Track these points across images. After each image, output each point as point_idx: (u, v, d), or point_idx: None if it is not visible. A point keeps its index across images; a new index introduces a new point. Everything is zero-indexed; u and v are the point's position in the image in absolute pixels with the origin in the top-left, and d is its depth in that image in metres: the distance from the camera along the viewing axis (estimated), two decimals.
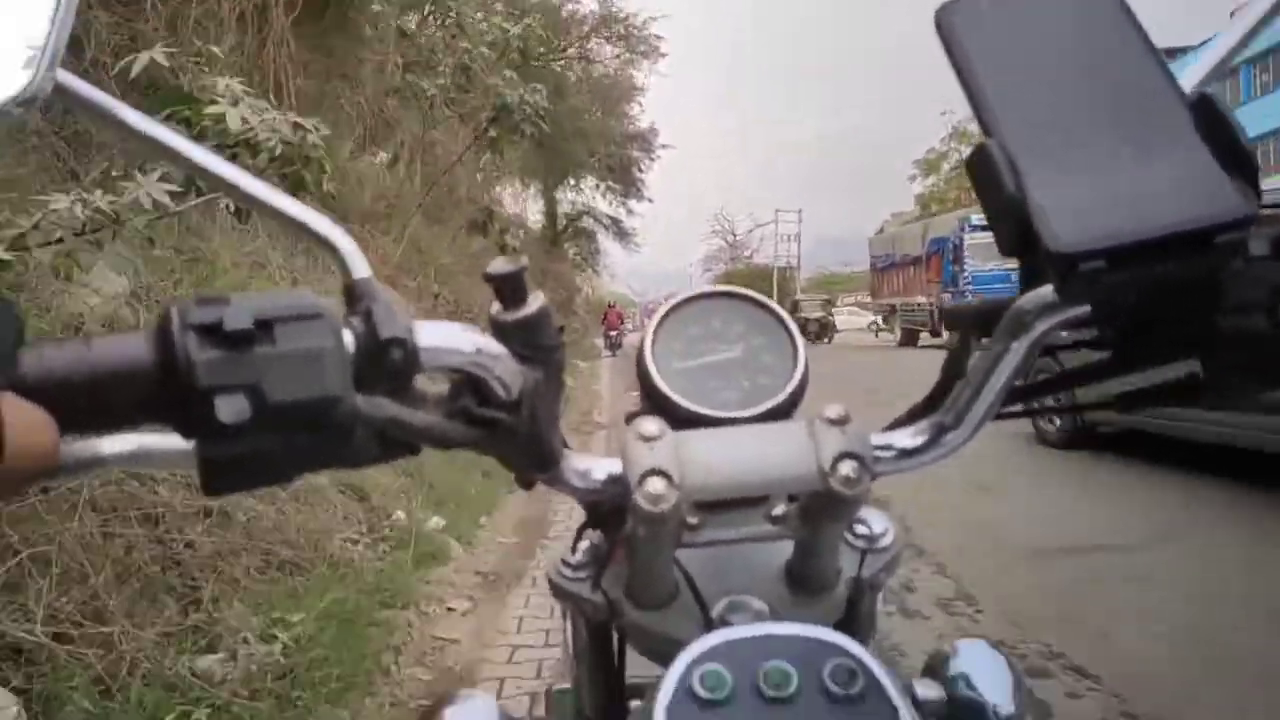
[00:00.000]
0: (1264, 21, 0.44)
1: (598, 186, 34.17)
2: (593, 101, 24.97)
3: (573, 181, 32.68)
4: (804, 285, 57.00)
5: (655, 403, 0.52)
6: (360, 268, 0.40)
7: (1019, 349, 0.44)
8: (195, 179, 0.45)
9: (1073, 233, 0.38)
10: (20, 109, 0.38)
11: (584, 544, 0.54)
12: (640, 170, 32.64)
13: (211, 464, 0.34)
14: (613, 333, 24.23)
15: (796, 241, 60.12)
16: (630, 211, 35.20)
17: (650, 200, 33.52)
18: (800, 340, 0.52)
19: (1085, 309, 0.42)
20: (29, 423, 0.30)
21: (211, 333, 0.32)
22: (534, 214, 29.77)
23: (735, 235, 65.92)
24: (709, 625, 0.47)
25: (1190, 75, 0.43)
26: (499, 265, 0.41)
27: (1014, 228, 0.40)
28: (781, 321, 0.54)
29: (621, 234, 36.16)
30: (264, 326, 0.33)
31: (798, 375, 0.52)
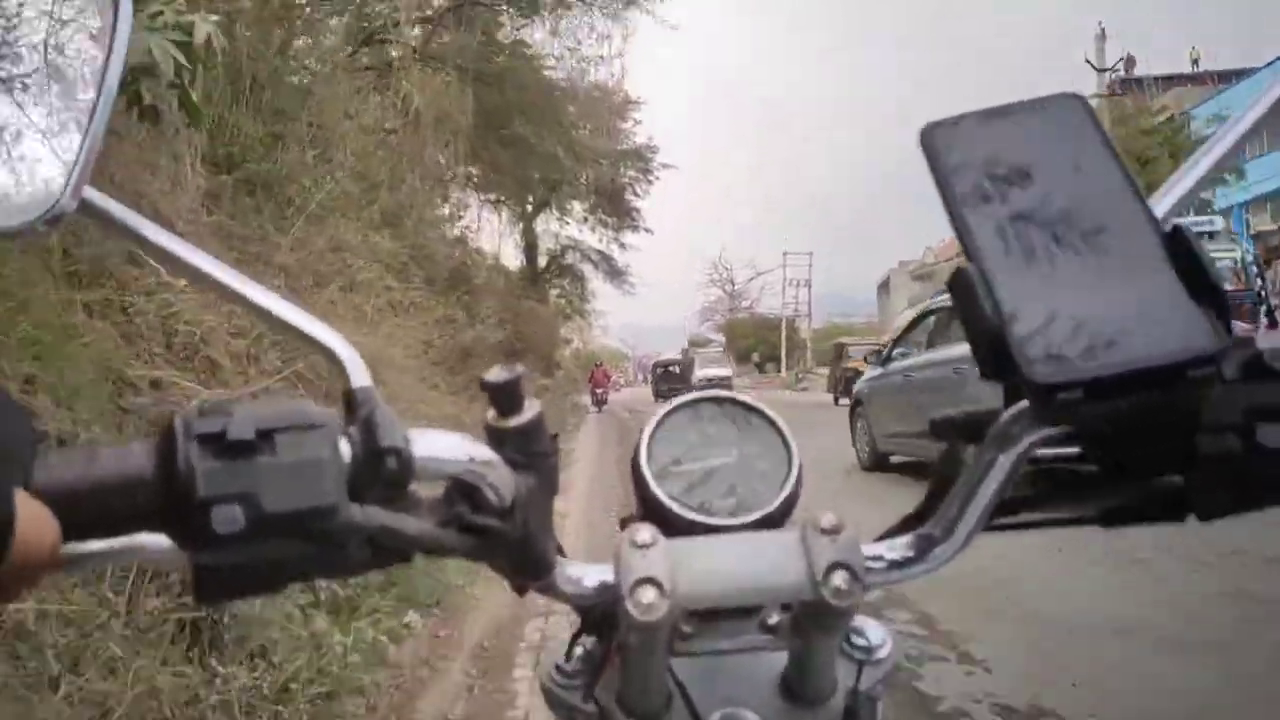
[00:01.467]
0: (1233, 152, 0.51)
1: (586, 219, 32.83)
2: (577, 112, 24.41)
3: (556, 212, 31.72)
4: (813, 335, 59.04)
5: (648, 507, 0.56)
6: (360, 376, 0.45)
7: (1005, 462, 0.49)
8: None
9: (1049, 364, 0.43)
10: (46, 226, 0.44)
11: (578, 650, 0.58)
12: (636, 194, 31.22)
13: (205, 571, 0.38)
14: (599, 390, 28.82)
15: (807, 288, 60.70)
16: (623, 246, 33.70)
17: (648, 230, 31.96)
18: (794, 446, 0.58)
19: (1068, 428, 0.47)
20: (37, 522, 0.35)
21: (214, 442, 0.36)
22: (512, 250, 29.58)
23: (734, 284, 67.12)
24: None
25: (1162, 203, 0.49)
26: (495, 373, 0.46)
27: (993, 351, 0.45)
28: (776, 426, 0.59)
29: (614, 272, 34.48)
30: (265, 436, 0.37)
31: (791, 482, 0.57)
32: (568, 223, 32.60)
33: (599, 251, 34.01)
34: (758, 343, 58.50)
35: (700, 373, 31.60)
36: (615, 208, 31.54)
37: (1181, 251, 0.46)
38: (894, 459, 8.13)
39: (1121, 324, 0.44)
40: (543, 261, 32.23)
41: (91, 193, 0.45)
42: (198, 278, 0.47)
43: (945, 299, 7.69)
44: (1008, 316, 0.45)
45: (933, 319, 8.10)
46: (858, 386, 9.22)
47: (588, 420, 21.41)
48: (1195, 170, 0.51)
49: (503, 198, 25.65)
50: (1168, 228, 0.46)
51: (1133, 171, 0.48)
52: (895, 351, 8.61)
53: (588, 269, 34.53)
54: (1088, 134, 0.49)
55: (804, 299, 60.19)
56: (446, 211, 14.78)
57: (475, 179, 19.46)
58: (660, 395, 32.94)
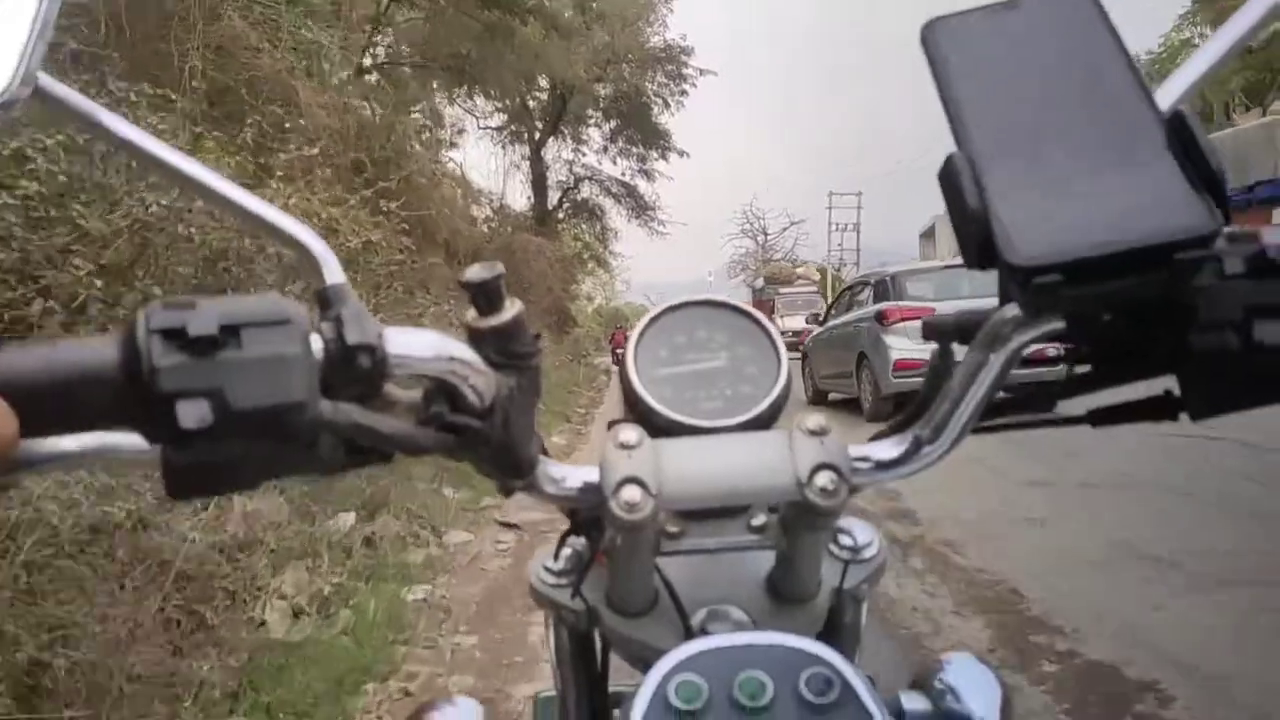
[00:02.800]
0: (1241, 42, 0.54)
1: (606, 148, 30.13)
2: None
3: (569, 139, 29.20)
4: None
5: (636, 410, 0.61)
6: (334, 273, 0.49)
7: (996, 362, 0.53)
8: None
9: (1030, 245, 0.46)
10: (1, 112, 0.45)
11: (566, 550, 0.64)
12: (668, 106, 28.54)
13: (175, 468, 0.40)
14: (619, 350, 29.83)
15: (855, 232, 58.83)
16: (650, 176, 30.95)
17: (683, 154, 29.57)
18: (784, 351, 0.63)
19: (1059, 323, 0.50)
20: None
21: (176, 337, 0.38)
22: (519, 189, 27.95)
23: (767, 234, 66.65)
24: (689, 634, 0.56)
25: (1167, 93, 0.52)
26: (475, 271, 0.50)
27: (978, 239, 0.48)
28: (766, 331, 0.64)
29: (639, 207, 31.59)
30: (230, 331, 0.39)
31: (779, 385, 0.62)
32: (583, 152, 30.32)
33: (620, 182, 31.34)
34: None
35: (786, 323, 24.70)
36: (640, 127, 29.16)
37: (1183, 138, 0.48)
38: (831, 396, 11.96)
39: (1112, 207, 0.46)
40: (554, 198, 30.10)
41: (47, 79, 0.49)
42: (164, 168, 0.52)
43: (860, 276, 13.46)
44: (994, 202, 0.47)
45: (848, 293, 12.40)
46: (805, 343, 13.33)
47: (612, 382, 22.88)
48: (1201, 60, 0.54)
49: (503, 120, 24.71)
50: (1169, 116, 0.49)
51: (1139, 65, 0.50)
52: (829, 315, 12.70)
53: (607, 204, 32.23)
54: (1094, 27, 0.52)
55: (851, 245, 59.00)
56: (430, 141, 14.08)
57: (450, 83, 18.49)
58: None
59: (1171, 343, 0.48)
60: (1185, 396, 0.51)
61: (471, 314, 0.51)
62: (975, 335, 0.54)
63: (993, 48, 0.53)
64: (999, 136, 0.49)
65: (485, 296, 0.50)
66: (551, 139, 28.27)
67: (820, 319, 13.11)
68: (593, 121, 29.49)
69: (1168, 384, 0.52)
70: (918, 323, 9.23)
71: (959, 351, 0.58)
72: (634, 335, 0.64)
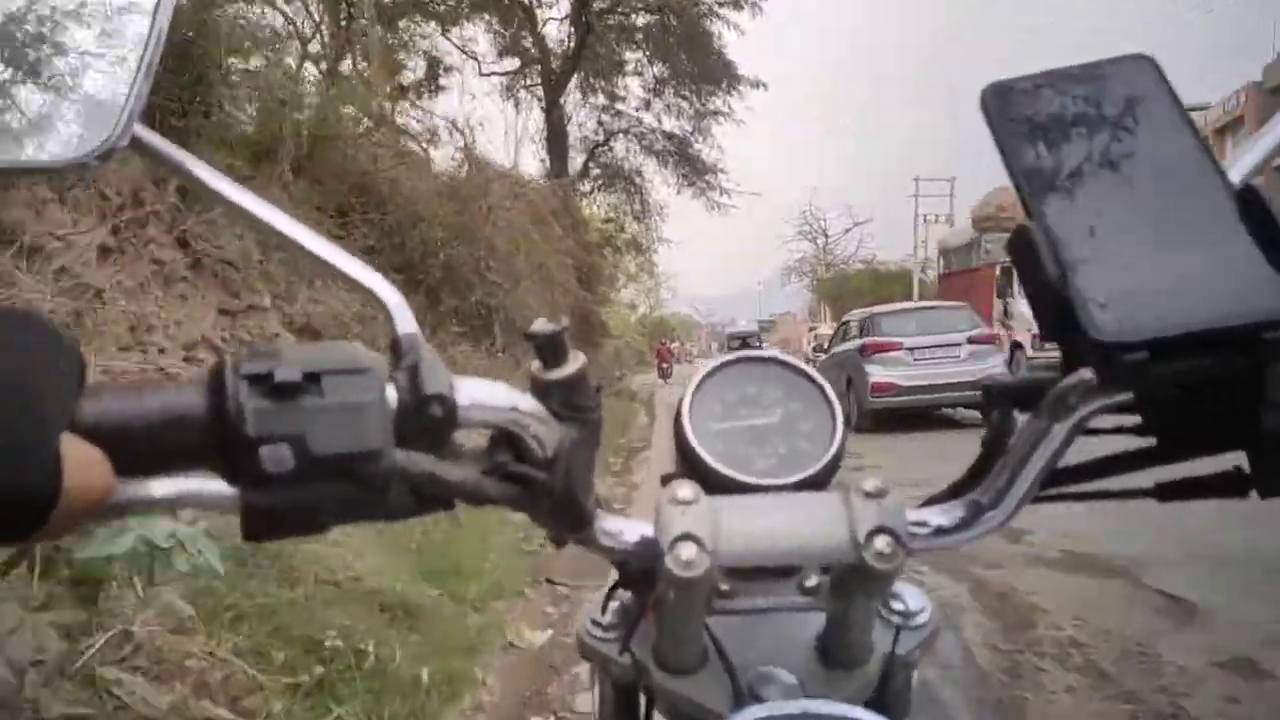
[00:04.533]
0: None
1: (648, 102, 26.74)
2: None
3: (596, 84, 26.05)
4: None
5: (690, 465, 0.70)
6: (407, 323, 0.58)
7: (1060, 431, 0.60)
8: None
9: (1115, 322, 0.53)
10: (98, 161, 0.57)
11: (614, 604, 0.73)
12: (732, 28, 24.95)
13: (253, 511, 0.48)
14: (664, 364, 39.52)
15: (948, 224, 54.58)
16: (706, 133, 27.42)
17: (759, 85, 26.11)
18: (839, 409, 0.72)
19: (1129, 395, 0.58)
20: (86, 463, 0.44)
21: (262, 383, 0.47)
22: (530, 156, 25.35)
23: (828, 236, 67.54)
24: (738, 695, 0.65)
25: (1238, 167, 0.60)
26: (541, 325, 0.59)
27: (1056, 312, 0.55)
28: (821, 389, 0.73)
29: (693, 169, 28.29)
30: (312, 379, 0.48)
31: (835, 444, 0.71)
32: (616, 109, 27.21)
33: (667, 134, 28.08)
34: (871, 302, 56.07)
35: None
36: (695, 58, 25.55)
37: (1255, 212, 0.55)
38: None
39: (1191, 285, 0.53)
40: (579, 163, 27.54)
41: (142, 129, 0.59)
42: (246, 218, 0.64)
43: (850, 315, 18.14)
44: (1071, 275, 0.55)
45: (843, 327, 17.63)
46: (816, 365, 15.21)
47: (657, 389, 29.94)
48: (1272, 135, 0.62)
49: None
50: (1240, 190, 0.57)
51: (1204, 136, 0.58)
52: (832, 344, 17.86)
53: (649, 167, 28.97)
54: (1157, 95, 0.60)
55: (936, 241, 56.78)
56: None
57: None
58: None
59: (1241, 418, 0.55)
60: (1254, 473, 0.58)
61: (536, 365, 0.60)
62: (1038, 402, 0.61)
63: (1056, 113, 0.61)
64: (1070, 207, 0.57)
65: (551, 349, 0.60)
66: (575, 84, 25.39)
67: (826, 348, 19.12)
68: (631, 68, 26.19)
69: (1237, 459, 0.58)
70: (892, 353, 14.12)
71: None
72: (689, 390, 0.74)
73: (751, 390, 0.74)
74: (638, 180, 28.24)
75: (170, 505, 0.51)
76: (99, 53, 0.59)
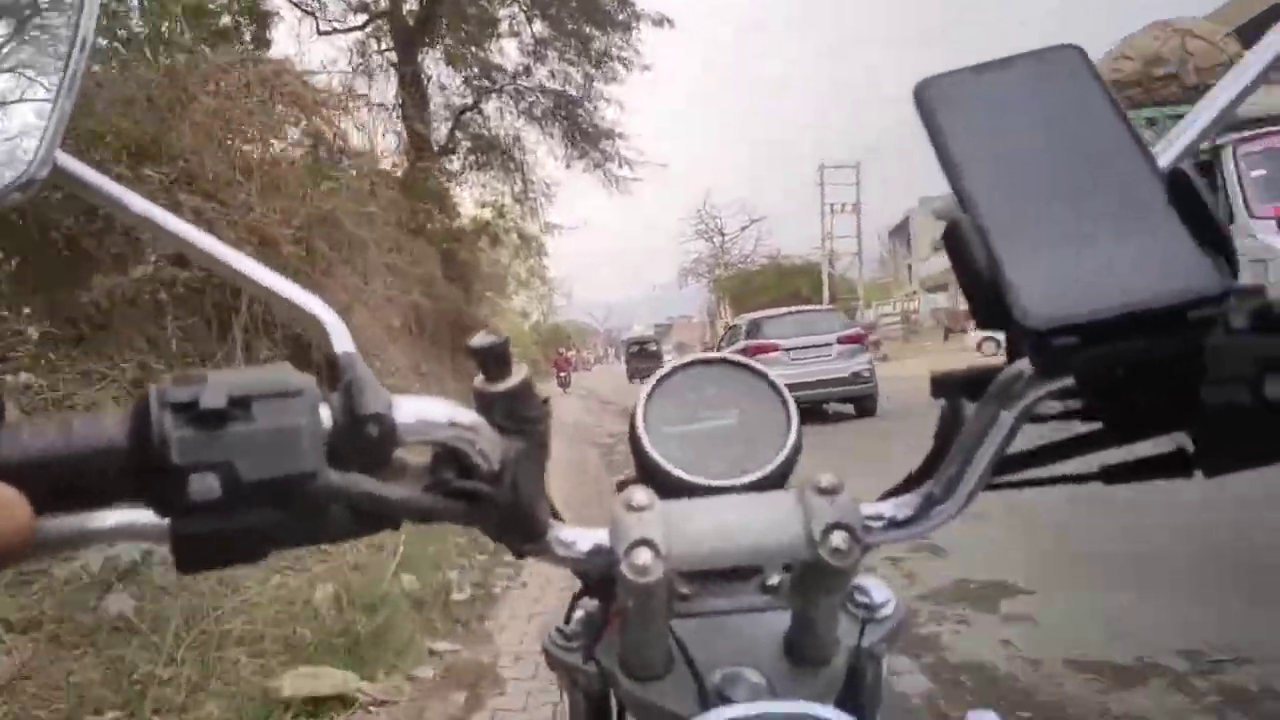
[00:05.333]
0: (1235, 103, 0.68)
1: (527, 68, 23.92)
2: None
3: (460, 46, 23.02)
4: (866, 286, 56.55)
5: (646, 469, 0.76)
6: (343, 342, 0.62)
7: (1007, 419, 0.66)
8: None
9: (1044, 307, 0.57)
10: (19, 193, 0.58)
11: (578, 613, 0.77)
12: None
13: (185, 540, 0.50)
14: (562, 374, 42.33)
15: (856, 213, 55.66)
16: (598, 98, 25.25)
17: (668, 22, 24.04)
18: (794, 408, 0.78)
19: (1069, 381, 0.63)
20: (5, 505, 0.45)
21: (187, 410, 0.49)
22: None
23: (724, 235, 69.22)
24: (705, 698, 0.69)
25: (1165, 152, 0.67)
26: (482, 339, 0.63)
27: (989, 301, 0.60)
28: (775, 388, 0.79)
29: (584, 135, 25.68)
30: (241, 404, 0.50)
31: (790, 443, 0.76)
32: (492, 78, 24.56)
33: (551, 93, 25.21)
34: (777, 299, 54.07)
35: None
36: (583, 16, 23.70)
37: (1184, 195, 0.60)
38: None
39: (1121, 268, 0.57)
40: (442, 131, 24.85)
41: (66, 158, 0.62)
42: (176, 243, 0.66)
43: (744, 319, 19.95)
44: (1002, 264, 0.59)
45: (730, 331, 20.29)
46: None
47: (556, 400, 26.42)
48: (1199, 120, 0.69)
49: None
50: (1169, 173, 0.61)
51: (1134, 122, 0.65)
52: (719, 347, 19.51)
53: (531, 136, 25.94)
54: (1086, 85, 0.65)
55: (844, 231, 56.23)
56: None
57: None
58: (637, 374, 41.98)
59: (1183, 399, 0.60)
60: (1197, 453, 0.63)
61: (479, 379, 0.65)
62: (984, 391, 0.67)
63: (988, 107, 0.66)
64: (1002, 198, 0.62)
65: (493, 362, 0.64)
66: (438, 45, 23.15)
67: (716, 349, 21.12)
68: (505, 27, 23.47)
69: (1180, 440, 0.63)
70: (771, 354, 15.60)
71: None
72: (643, 393, 0.80)
73: (707, 392, 0.80)
74: (517, 154, 25.27)
75: (99, 540, 0.54)
76: (14, 83, 0.60)
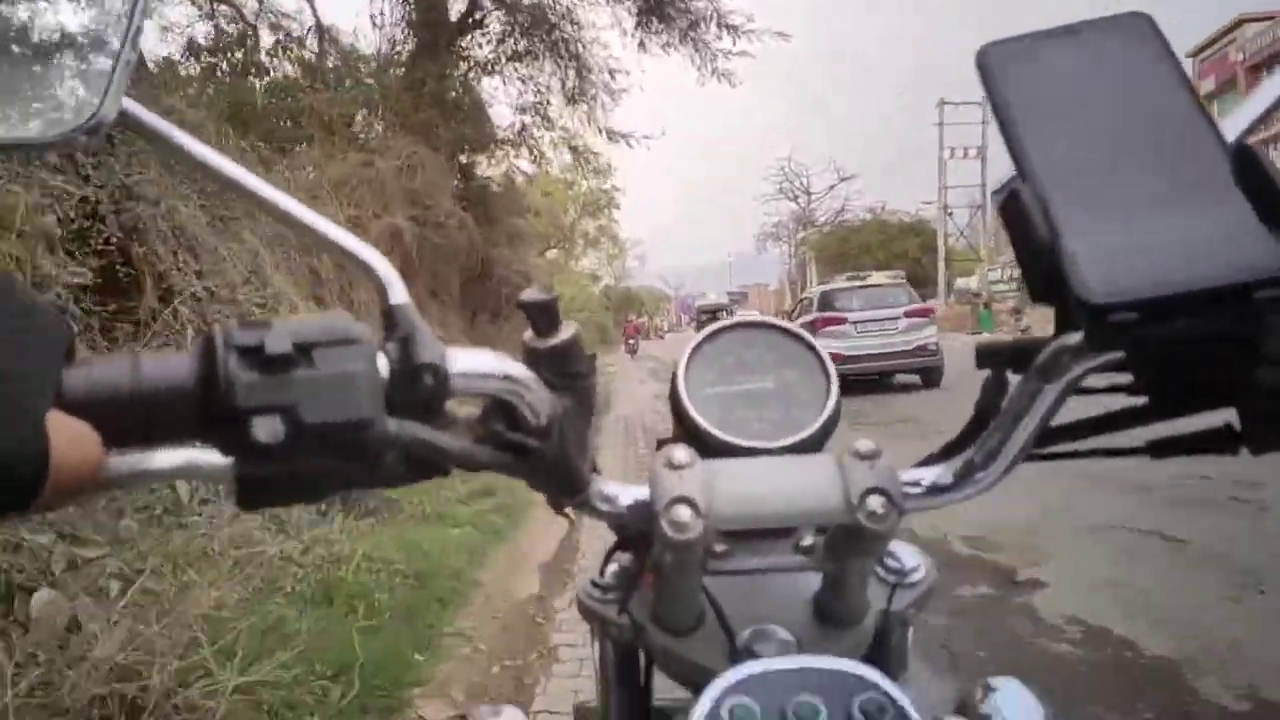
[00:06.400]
0: None
1: None
2: None
3: None
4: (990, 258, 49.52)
5: (686, 429, 0.78)
6: (399, 293, 0.63)
7: (1052, 391, 0.67)
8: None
9: (1104, 282, 0.58)
10: (87, 136, 0.61)
11: (613, 566, 0.80)
12: None
13: (247, 481, 0.54)
14: (631, 340, 45.21)
15: (981, 159, 49.43)
16: None
17: None
18: (833, 371, 0.80)
19: (1120, 354, 0.63)
20: (74, 439, 0.48)
21: (253, 355, 0.51)
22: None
23: (810, 194, 66.40)
24: (735, 654, 0.72)
25: (1232, 125, 0.66)
26: (531, 294, 0.66)
27: (1045, 273, 0.60)
28: (816, 353, 0.82)
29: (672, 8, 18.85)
30: (303, 350, 0.52)
31: (829, 408, 0.78)
32: None
33: None
34: (888, 261, 47.61)
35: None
36: None
37: (1251, 172, 0.60)
38: None
39: (1183, 245, 0.58)
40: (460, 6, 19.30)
41: (130, 103, 0.65)
42: (236, 189, 0.70)
43: (815, 290, 21.75)
44: (1062, 236, 0.60)
45: (802, 303, 21.25)
46: None
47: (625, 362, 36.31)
48: (1267, 93, 0.68)
49: None
50: (1235, 149, 0.62)
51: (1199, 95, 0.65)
52: (792, 317, 19.95)
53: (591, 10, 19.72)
54: (1154, 54, 0.65)
55: (965, 180, 50.25)
56: None
57: None
58: None
59: (1233, 376, 0.60)
60: (1245, 430, 0.64)
61: (529, 334, 0.67)
62: (1030, 363, 0.68)
63: (1052, 74, 0.67)
64: (1063, 167, 0.63)
65: (543, 318, 0.66)
66: None
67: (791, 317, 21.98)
68: None
69: (1227, 416, 0.64)
70: (839, 326, 17.09)
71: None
72: (684, 355, 0.82)
73: (747, 355, 0.82)
74: (570, 29, 19.07)
75: (164, 478, 0.56)
76: (83, 28, 0.64)
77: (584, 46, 19.55)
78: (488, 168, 19.65)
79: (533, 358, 0.65)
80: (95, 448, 0.49)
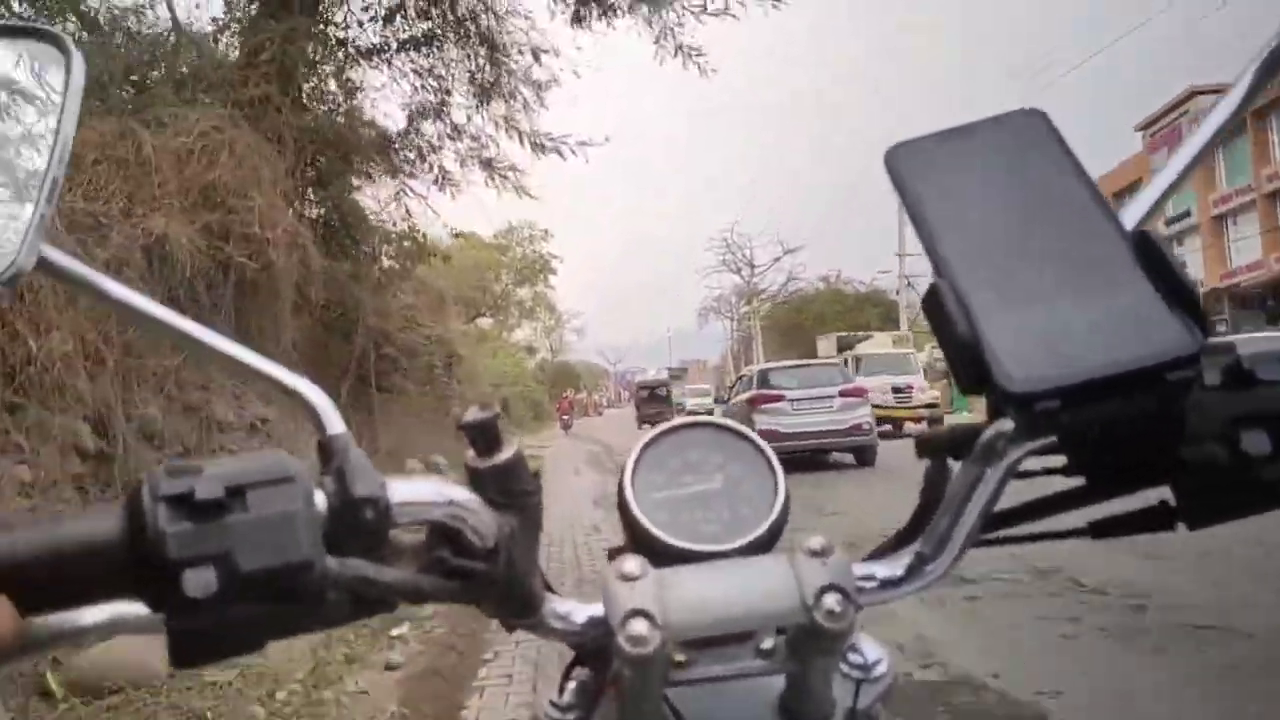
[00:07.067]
0: (1197, 161, 0.72)
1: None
2: None
3: None
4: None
5: (636, 536, 0.78)
6: (334, 424, 0.63)
7: (993, 476, 0.68)
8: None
9: (1024, 371, 0.61)
10: (4, 287, 0.61)
11: (571, 684, 0.79)
12: None
13: (181, 636, 0.51)
14: (565, 417, 47.75)
15: (899, 261, 48.86)
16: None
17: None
18: (779, 469, 0.81)
19: (1052, 439, 0.65)
20: None
21: (182, 503, 0.50)
22: None
23: (754, 267, 65.90)
24: None
25: (1131, 213, 0.69)
26: (472, 414, 0.66)
27: (969, 365, 0.63)
28: (761, 450, 0.82)
29: None
30: (236, 493, 0.51)
31: (778, 505, 0.79)
32: None
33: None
34: (842, 330, 47.07)
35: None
36: None
37: (1151, 256, 0.64)
38: None
39: (1096, 330, 0.61)
40: None
41: (50, 251, 0.64)
42: (158, 328, 0.69)
43: (753, 369, 23.66)
44: (981, 329, 0.63)
45: (739, 380, 23.61)
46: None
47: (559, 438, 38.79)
48: (1162, 180, 0.72)
49: None
50: (1135, 236, 0.65)
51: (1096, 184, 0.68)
52: (730, 393, 23.87)
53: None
54: (1050, 148, 0.69)
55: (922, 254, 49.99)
56: None
57: None
58: (646, 420, 43.23)
59: (1163, 455, 0.63)
60: (1180, 507, 0.66)
61: (470, 455, 0.67)
62: (968, 450, 0.69)
63: (956, 171, 0.70)
64: (976, 261, 0.66)
65: (484, 438, 0.66)
66: None
67: (726, 397, 24.46)
68: None
69: (1163, 493, 0.66)
70: (776, 404, 18.67)
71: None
72: (630, 460, 0.82)
73: (693, 456, 0.83)
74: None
75: (91, 637, 0.54)
76: None
77: (497, 19, 15.53)
78: (364, 187, 14.71)
79: (476, 478, 0.65)
80: (10, 619, 0.48)
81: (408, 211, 15.64)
